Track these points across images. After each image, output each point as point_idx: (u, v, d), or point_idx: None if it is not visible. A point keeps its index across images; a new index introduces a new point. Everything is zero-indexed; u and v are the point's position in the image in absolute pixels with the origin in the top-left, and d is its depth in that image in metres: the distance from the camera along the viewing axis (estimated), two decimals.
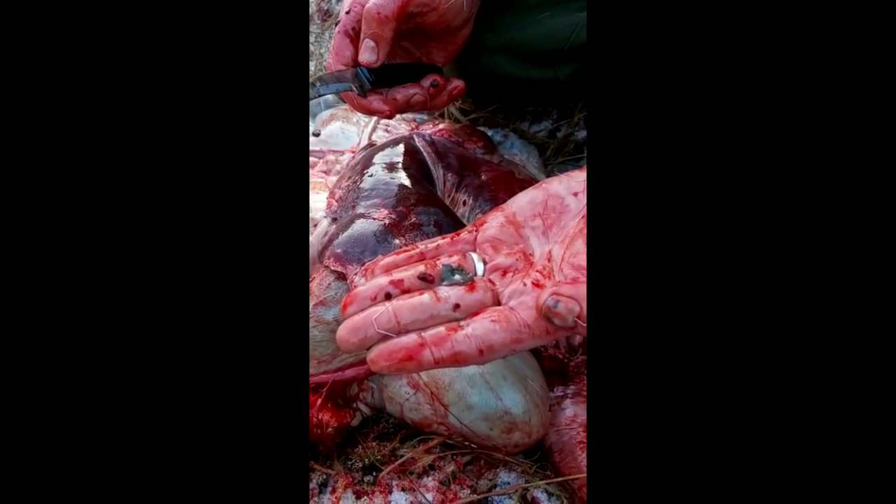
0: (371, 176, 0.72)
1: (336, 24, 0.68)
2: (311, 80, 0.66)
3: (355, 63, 0.65)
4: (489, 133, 0.89)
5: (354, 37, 0.64)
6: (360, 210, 0.66)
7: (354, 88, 0.66)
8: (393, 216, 0.64)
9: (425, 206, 0.66)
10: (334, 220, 0.69)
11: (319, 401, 0.59)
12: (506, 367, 0.62)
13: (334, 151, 0.86)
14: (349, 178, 0.75)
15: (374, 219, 0.64)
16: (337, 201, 0.72)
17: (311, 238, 0.69)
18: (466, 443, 0.60)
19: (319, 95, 0.65)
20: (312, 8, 1.21)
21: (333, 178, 0.80)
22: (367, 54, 0.63)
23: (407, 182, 0.70)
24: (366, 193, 0.69)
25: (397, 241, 0.62)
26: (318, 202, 0.74)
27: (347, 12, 0.64)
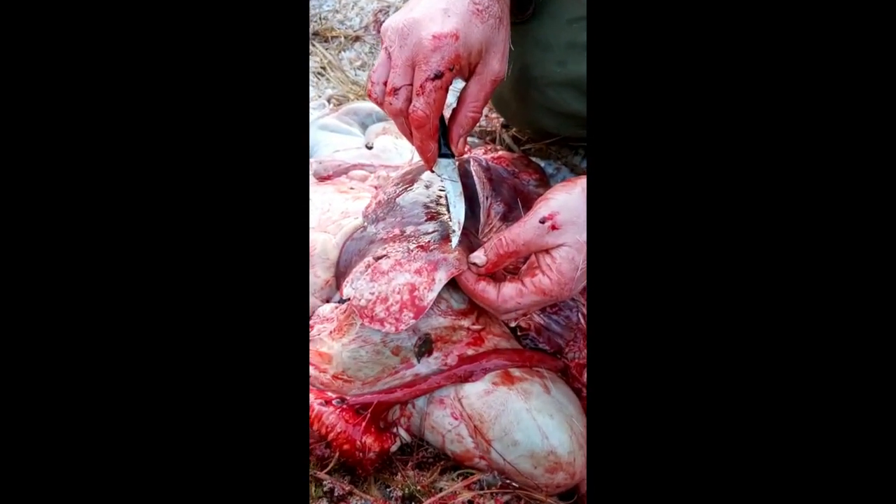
0: (410, 192, 0.72)
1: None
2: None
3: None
4: (542, 164, 0.89)
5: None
6: (381, 232, 0.67)
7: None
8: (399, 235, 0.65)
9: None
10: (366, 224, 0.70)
11: (364, 423, 0.58)
12: (553, 405, 0.61)
13: (386, 167, 0.86)
14: (395, 184, 0.75)
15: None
16: (377, 204, 0.72)
17: (337, 235, 0.70)
18: (508, 481, 0.59)
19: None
20: (369, 18, 1.21)
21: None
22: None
23: (439, 208, 0.70)
24: (397, 209, 0.70)
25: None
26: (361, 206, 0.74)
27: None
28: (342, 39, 1.21)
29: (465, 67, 0.59)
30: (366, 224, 0.71)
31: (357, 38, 1.21)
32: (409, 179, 0.75)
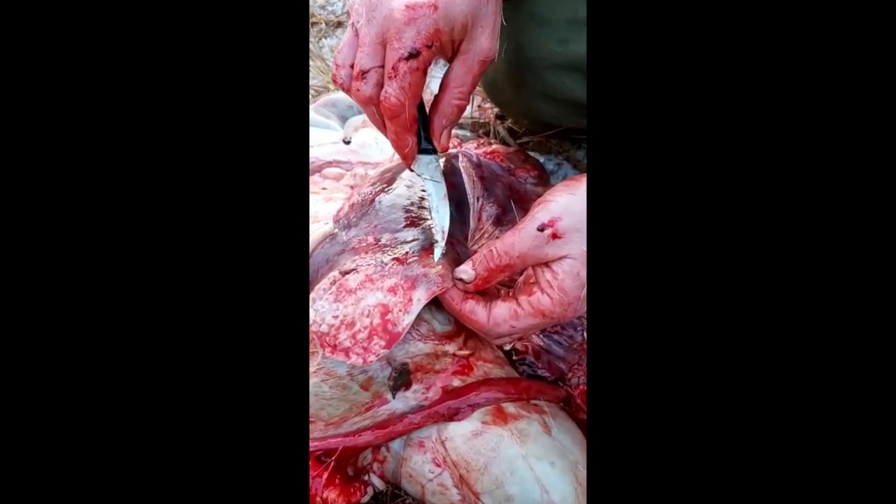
0: (388, 193, 0.63)
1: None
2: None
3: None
4: (541, 160, 0.79)
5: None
6: (352, 240, 0.58)
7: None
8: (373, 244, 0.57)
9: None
10: (337, 231, 0.61)
11: (326, 474, 0.48)
12: (554, 449, 0.51)
13: (364, 164, 0.76)
14: (372, 183, 0.66)
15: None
16: (350, 207, 0.63)
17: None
18: None
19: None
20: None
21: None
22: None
23: (421, 213, 0.60)
24: (372, 213, 0.61)
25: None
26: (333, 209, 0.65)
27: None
28: (323, 26, 1.11)
29: (448, 45, 0.49)
30: (337, 230, 0.61)
31: (339, 24, 1.11)
32: (388, 178, 0.66)
